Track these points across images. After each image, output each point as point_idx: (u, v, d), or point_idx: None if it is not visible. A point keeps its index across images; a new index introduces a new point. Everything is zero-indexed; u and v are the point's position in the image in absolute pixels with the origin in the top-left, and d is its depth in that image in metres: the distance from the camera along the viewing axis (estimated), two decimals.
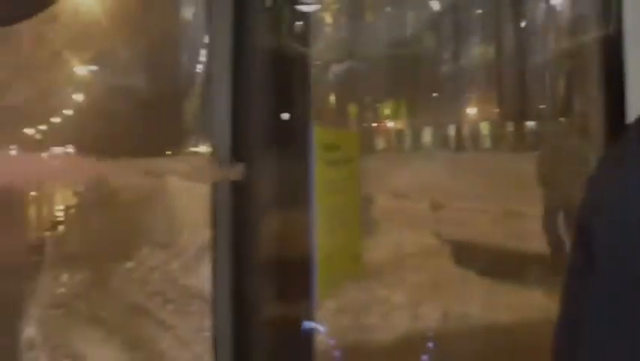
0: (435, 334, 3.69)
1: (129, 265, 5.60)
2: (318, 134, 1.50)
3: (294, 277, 1.44)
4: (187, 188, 7.23)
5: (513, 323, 3.93)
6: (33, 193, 26.43)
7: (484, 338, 3.71)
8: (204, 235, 5.52)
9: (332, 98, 20.38)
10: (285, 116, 1.46)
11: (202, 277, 5.00)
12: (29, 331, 4.48)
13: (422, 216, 8.27)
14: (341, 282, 1.74)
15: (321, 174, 1.49)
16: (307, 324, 1.47)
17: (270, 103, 1.46)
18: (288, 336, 1.45)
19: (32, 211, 18.82)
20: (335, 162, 1.60)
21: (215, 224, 1.49)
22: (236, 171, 1.39)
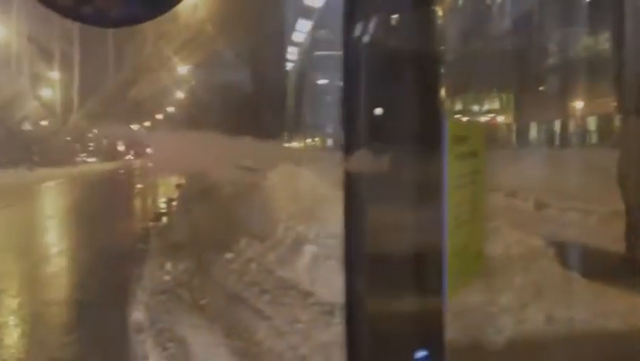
0: (540, 338, 3.52)
1: (228, 255, 5.77)
2: (450, 126, 1.43)
3: (425, 273, 1.39)
4: (283, 182, 7.36)
5: (622, 329, 3.68)
6: (139, 185, 28.05)
7: (591, 344, 3.49)
8: (300, 228, 5.59)
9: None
10: (415, 107, 1.41)
11: (298, 270, 5.06)
12: (137, 315, 4.73)
13: (528, 216, 7.92)
14: (468, 280, 1.67)
15: (450, 168, 1.42)
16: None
17: (402, 95, 1.42)
18: (419, 332, 1.41)
19: (138, 202, 19.99)
20: (463, 156, 1.53)
21: (346, 218, 1.46)
22: (379, 163, 1.36)
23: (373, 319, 1.43)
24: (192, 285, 5.32)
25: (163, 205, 16.12)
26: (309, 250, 5.13)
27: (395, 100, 1.40)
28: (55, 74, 53.30)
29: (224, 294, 5.00)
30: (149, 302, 4.86)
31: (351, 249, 1.45)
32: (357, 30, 1.37)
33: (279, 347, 3.84)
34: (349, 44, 1.40)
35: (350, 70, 1.42)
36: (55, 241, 10.83)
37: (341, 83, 1.46)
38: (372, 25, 1.35)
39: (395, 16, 1.38)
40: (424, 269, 1.40)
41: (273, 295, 4.67)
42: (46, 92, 51.82)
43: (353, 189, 1.44)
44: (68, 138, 65.45)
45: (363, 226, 1.42)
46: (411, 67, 1.40)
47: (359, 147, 1.39)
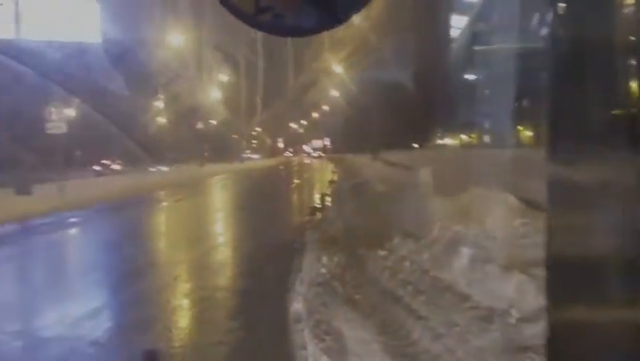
0: None
1: (382, 252, 5.79)
2: None
3: (634, 279, 1.28)
4: (438, 180, 7.21)
5: None
6: (297, 181, 29.13)
7: None
8: (456, 228, 5.43)
9: None
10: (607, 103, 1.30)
11: (454, 271, 4.93)
12: (296, 306, 4.92)
13: None
14: None
15: None
16: None
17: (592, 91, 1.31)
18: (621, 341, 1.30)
19: (296, 197, 20.82)
20: None
21: (548, 221, 1.38)
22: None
23: (574, 326, 1.33)
24: (346, 279, 5.42)
25: (318, 200, 16.64)
26: (466, 251, 4.98)
27: (584, 97, 1.29)
28: (239, 80, 57.94)
29: (377, 290, 5.03)
30: (306, 294, 5.03)
31: (551, 253, 1.36)
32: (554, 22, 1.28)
33: (435, 348, 3.77)
34: (555, 37, 1.32)
35: (556, 66, 1.33)
36: (221, 232, 11.68)
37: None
38: (560, 16, 1.26)
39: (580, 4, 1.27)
40: (632, 275, 1.28)
41: (429, 296, 4.60)
42: (230, 96, 56.12)
43: (557, 191, 1.34)
44: (235, 136, 70.36)
45: (563, 228, 1.33)
46: (597, 59, 1.28)
47: (563, 145, 1.30)
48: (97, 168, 36.20)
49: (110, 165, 37.94)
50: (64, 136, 18.97)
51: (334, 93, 76.44)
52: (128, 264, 7.93)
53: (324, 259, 6.23)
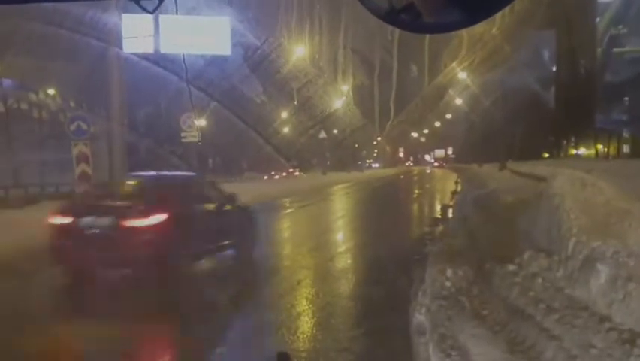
0: None
1: (511, 267, 5.55)
2: None
3: None
4: (573, 192, 6.78)
5: None
6: (417, 191, 28.77)
7: None
8: (594, 244, 5.07)
9: None
10: None
11: (591, 290, 4.60)
12: (419, 317, 4.86)
13: None
14: None
15: None
16: None
17: None
18: None
19: (417, 208, 20.54)
20: None
21: None
22: None
23: None
24: (472, 293, 5.24)
25: (440, 211, 16.34)
26: (604, 269, 4.62)
27: None
28: (372, 84, 58.35)
29: (506, 307, 4.82)
30: (430, 306, 4.94)
31: None
32: None
33: None
34: None
35: None
36: (344, 240, 11.84)
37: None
38: None
39: None
40: None
41: (562, 315, 4.33)
42: (365, 101, 56.46)
43: None
44: (356, 145, 71.06)
45: None
46: None
47: None
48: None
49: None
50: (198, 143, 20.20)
51: (458, 101, 74.75)
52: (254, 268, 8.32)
53: (449, 272, 6.07)
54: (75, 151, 13.28)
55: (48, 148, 26.97)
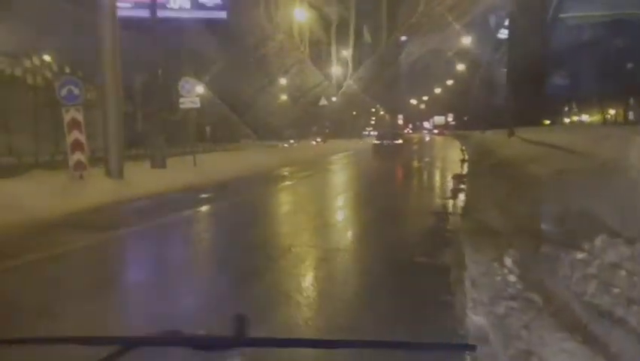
0: None
1: (579, 255, 4.68)
2: None
3: None
4: None
5: None
6: (426, 159, 27.89)
7: None
8: None
9: None
10: None
11: None
12: (477, 321, 4.02)
13: None
14: None
15: None
16: None
17: None
18: None
19: (426, 178, 19.59)
20: None
21: None
22: None
23: None
24: (543, 288, 4.37)
25: (453, 182, 15.48)
26: None
27: None
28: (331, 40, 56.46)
29: (587, 308, 3.96)
30: (493, 307, 4.08)
31: None
32: None
33: None
34: None
35: None
36: (359, 215, 10.95)
37: None
38: None
39: None
40: None
41: None
42: (323, 58, 54.55)
43: None
44: (354, 113, 69.79)
45: None
46: None
47: None
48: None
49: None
50: (196, 111, 19.22)
51: (460, 67, 73.22)
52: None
53: (500, 258, 5.22)
54: (67, 117, 12.29)
55: (44, 116, 25.88)
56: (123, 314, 4.67)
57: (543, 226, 6.01)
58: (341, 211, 11.33)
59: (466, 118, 79.33)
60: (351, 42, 55.95)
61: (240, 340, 1.17)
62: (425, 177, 20.28)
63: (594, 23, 54.87)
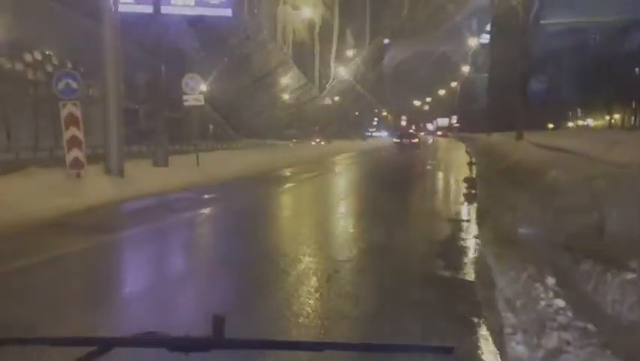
0: None
1: (629, 275, 4.15)
2: None
3: None
4: None
5: None
6: (432, 161, 27.40)
7: None
8: None
9: None
10: None
11: None
12: (519, 351, 3.48)
13: None
14: None
15: None
16: None
17: None
18: None
19: (432, 182, 18.96)
20: None
21: None
22: None
23: None
24: (593, 317, 3.83)
25: (466, 186, 14.92)
26: None
27: None
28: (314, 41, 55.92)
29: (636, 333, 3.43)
30: (540, 338, 3.53)
31: None
32: None
33: None
34: None
35: None
36: (371, 220, 10.34)
37: None
38: None
39: None
40: None
41: None
42: (306, 60, 53.95)
43: None
44: (357, 113, 69.26)
45: None
46: None
47: None
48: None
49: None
50: (200, 109, 18.75)
51: (464, 69, 72.70)
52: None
53: (527, 274, 4.69)
54: (64, 112, 11.73)
55: (44, 111, 25.37)
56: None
57: (581, 238, 5.48)
58: (350, 216, 10.77)
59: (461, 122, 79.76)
60: (334, 45, 55.57)
61: (218, 341, 1.15)
62: (439, 181, 19.73)
63: (573, 29, 57.03)
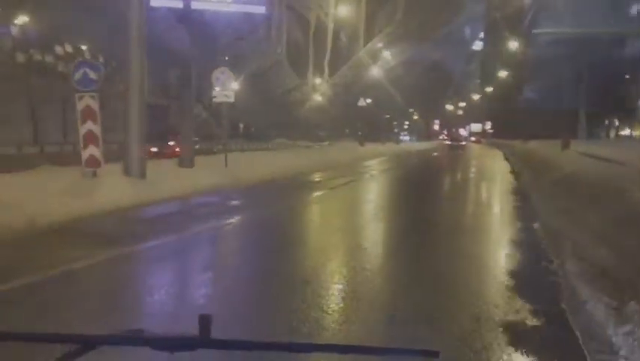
0: None
1: None
2: None
3: None
4: None
5: None
6: (471, 169, 25.93)
7: None
8: None
9: None
10: None
11: None
12: None
13: None
14: None
15: None
16: None
17: None
18: None
19: (472, 189, 17.45)
20: None
21: None
22: None
23: None
24: None
25: (519, 200, 13.53)
26: None
27: None
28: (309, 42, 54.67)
29: None
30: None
31: None
32: None
33: None
34: None
35: None
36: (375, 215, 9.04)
37: None
38: None
39: None
40: None
41: None
42: (300, 60, 52.85)
43: None
44: (387, 116, 67.79)
45: None
46: None
47: None
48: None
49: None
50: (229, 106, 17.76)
51: (502, 74, 70.71)
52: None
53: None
54: (81, 105, 10.76)
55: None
56: None
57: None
58: (394, 231, 9.50)
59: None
60: (329, 46, 54.58)
61: (204, 341, 1.10)
62: (495, 194, 18.32)
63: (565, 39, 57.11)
